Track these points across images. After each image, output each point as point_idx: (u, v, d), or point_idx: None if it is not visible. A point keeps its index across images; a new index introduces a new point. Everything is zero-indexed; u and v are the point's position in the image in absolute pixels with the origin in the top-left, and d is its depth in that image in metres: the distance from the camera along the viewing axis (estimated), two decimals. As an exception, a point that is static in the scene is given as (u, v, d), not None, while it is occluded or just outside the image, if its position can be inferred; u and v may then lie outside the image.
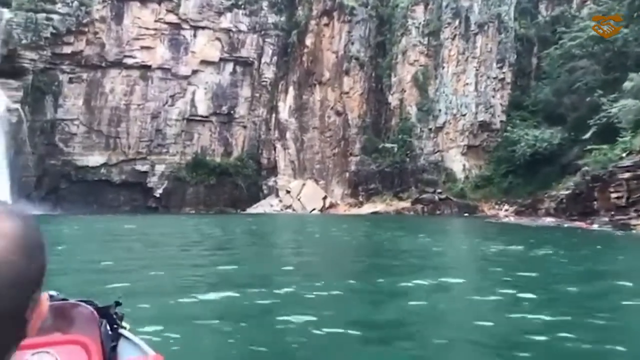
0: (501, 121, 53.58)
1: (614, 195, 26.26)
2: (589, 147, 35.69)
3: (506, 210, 48.82)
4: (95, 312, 2.03)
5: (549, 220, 32.13)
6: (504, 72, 53.94)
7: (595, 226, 25.59)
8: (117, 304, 2.16)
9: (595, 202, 28.31)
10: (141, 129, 56.34)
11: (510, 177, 51.06)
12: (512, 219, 36.44)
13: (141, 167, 56.28)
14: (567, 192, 38.10)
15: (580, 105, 44.85)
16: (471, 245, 17.81)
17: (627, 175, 25.79)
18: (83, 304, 2.03)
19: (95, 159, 54.42)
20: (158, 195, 56.52)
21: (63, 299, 2.03)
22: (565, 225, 27.21)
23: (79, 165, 53.46)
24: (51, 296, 1.95)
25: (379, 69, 57.99)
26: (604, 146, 35.42)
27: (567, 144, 45.20)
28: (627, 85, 34.87)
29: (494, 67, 53.64)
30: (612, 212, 26.19)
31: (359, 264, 14.60)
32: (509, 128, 50.84)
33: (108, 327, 2.05)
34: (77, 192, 52.35)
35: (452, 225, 34.67)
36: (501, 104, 53.96)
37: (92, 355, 1.81)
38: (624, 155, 29.34)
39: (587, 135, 35.71)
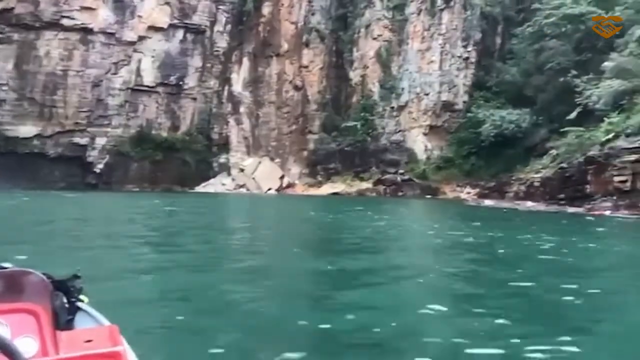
0: (464, 102, 52.19)
1: (617, 179, 24.68)
2: (567, 128, 34.46)
3: (468, 192, 47.71)
4: (46, 280, 2.04)
5: (531, 205, 30.49)
6: (468, 51, 52.39)
7: (607, 213, 23.86)
8: (76, 277, 2.22)
9: (588, 186, 26.76)
10: (80, 98, 51.29)
11: (473, 158, 49.94)
12: (492, 203, 34.79)
13: (80, 139, 51.33)
14: (539, 175, 37.00)
15: (548, 87, 43.82)
16: (519, 239, 14.34)
17: (632, 157, 24.21)
18: (35, 272, 2.04)
19: (27, 130, 49.13)
20: (98, 171, 51.83)
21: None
22: (569, 211, 25.14)
23: (8, 135, 48.13)
24: (3, 267, 2.02)
25: (340, 43, 55.15)
26: (580, 128, 34.35)
27: (534, 126, 44.20)
28: (607, 65, 33.65)
29: (459, 46, 51.99)
30: (615, 197, 24.60)
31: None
32: (472, 109, 49.39)
33: (64, 300, 2.10)
34: (6, 166, 46.89)
35: (435, 210, 31.90)
36: (464, 84, 52.51)
37: (42, 324, 1.87)
38: (610, 136, 27.98)
39: (573, 116, 34.29)
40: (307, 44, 54.59)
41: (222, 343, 4.91)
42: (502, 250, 12.35)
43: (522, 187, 38.03)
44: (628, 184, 24.09)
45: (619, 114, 29.61)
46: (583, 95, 34.95)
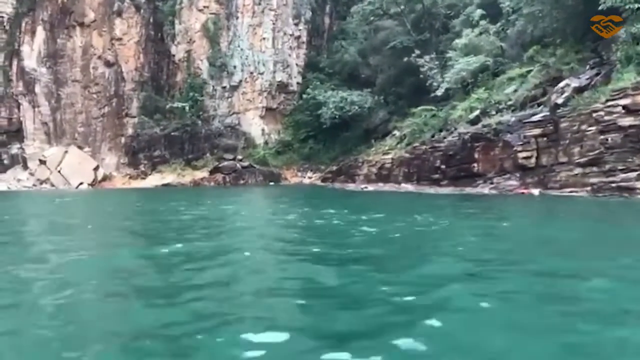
0: (298, 83, 49.59)
1: (522, 155, 23.19)
2: (420, 107, 33.62)
3: (310, 177, 45.51)
4: None
5: (409, 187, 28.30)
6: (300, 30, 49.82)
7: (536, 191, 21.46)
8: None
9: (475, 165, 25.24)
10: None
11: (311, 142, 47.74)
12: (373, 187, 32.12)
13: None
14: (389, 157, 35.75)
15: (386, 67, 43.23)
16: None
17: (536, 131, 22.98)
18: None
19: None
20: None
21: None
22: (485, 192, 22.43)
23: None
24: None
25: (158, 14, 48.15)
26: (430, 107, 33.84)
27: (374, 108, 43.23)
28: (458, 42, 33.36)
29: (290, 23, 49.10)
30: (518, 175, 23.29)
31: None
32: (308, 90, 46.84)
33: None
34: None
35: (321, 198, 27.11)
36: (297, 64, 49.89)
37: None
38: (477, 112, 27.19)
39: (439, 93, 33.11)
40: (119, 14, 46.65)
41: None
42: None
43: (373, 170, 36.54)
44: (533, 160, 22.95)
45: (485, 90, 29.08)
46: (434, 76, 34.34)
